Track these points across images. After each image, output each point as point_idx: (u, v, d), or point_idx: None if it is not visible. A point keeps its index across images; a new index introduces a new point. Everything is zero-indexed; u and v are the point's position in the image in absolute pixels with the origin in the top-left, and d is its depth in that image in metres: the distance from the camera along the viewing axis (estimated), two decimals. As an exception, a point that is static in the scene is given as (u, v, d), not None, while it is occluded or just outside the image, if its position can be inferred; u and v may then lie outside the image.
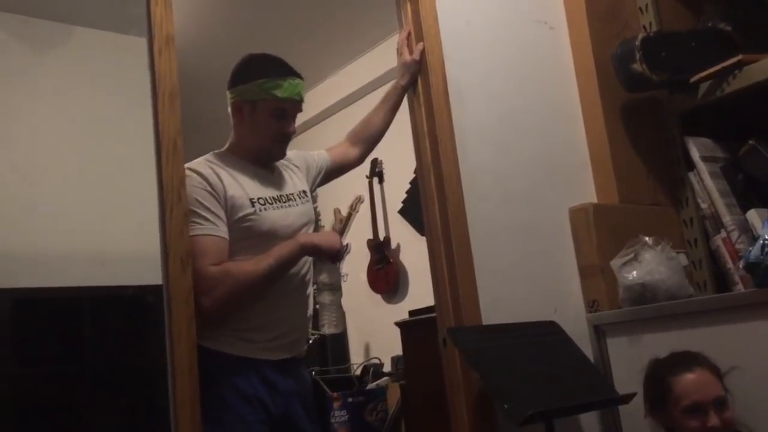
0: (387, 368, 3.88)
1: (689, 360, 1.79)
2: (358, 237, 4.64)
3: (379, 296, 4.43)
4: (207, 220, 1.76)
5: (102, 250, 1.93)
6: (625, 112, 2.53)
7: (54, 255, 1.96)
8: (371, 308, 4.44)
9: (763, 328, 1.83)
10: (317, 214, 5.05)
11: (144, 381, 1.86)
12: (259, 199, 1.85)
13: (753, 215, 2.33)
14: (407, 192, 4.30)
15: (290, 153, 2.06)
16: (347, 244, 4.78)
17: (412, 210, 4.25)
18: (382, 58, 4.24)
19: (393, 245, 4.40)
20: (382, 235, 4.43)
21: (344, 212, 4.80)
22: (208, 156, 1.90)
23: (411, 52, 2.20)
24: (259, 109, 1.88)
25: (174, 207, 1.67)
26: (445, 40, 2.25)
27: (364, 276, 4.48)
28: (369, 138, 2.27)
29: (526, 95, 2.44)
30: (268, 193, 1.89)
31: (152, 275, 1.68)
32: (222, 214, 1.78)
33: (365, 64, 4.52)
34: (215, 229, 1.77)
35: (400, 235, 4.37)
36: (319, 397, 3.49)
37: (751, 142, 2.41)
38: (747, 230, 2.34)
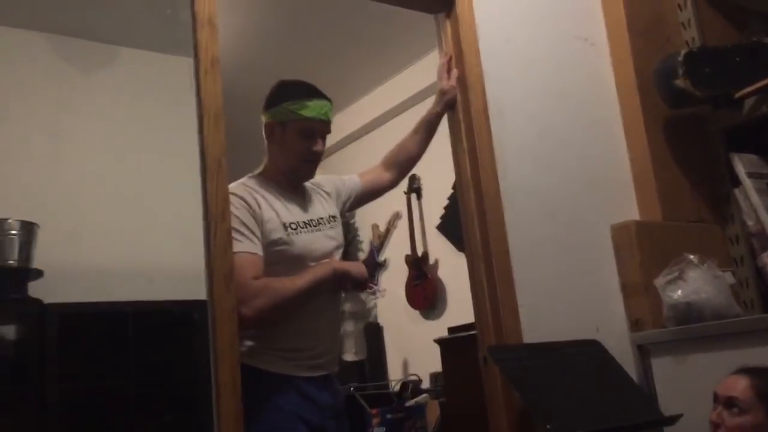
0: (426, 384, 3.87)
1: (748, 368, 1.77)
2: (396, 253, 4.65)
3: (417, 312, 4.42)
4: (247, 238, 1.80)
5: (148, 265, 1.97)
6: (668, 128, 2.50)
7: (101, 271, 2.00)
8: (409, 324, 4.44)
9: (814, 350, 1.78)
10: (355, 230, 5.11)
11: (188, 395, 1.88)
12: (291, 223, 1.91)
13: (802, 232, 2.28)
14: (445, 208, 4.30)
15: (321, 178, 2.11)
16: (385, 260, 4.81)
17: (451, 226, 4.24)
18: (416, 79, 4.27)
19: (431, 261, 4.40)
20: (420, 251, 4.43)
21: (382, 228, 4.82)
22: (244, 180, 1.96)
23: (450, 78, 2.22)
24: (288, 130, 1.95)
25: (218, 225, 1.70)
26: (485, 58, 2.26)
27: (402, 292, 4.48)
28: (403, 163, 2.30)
29: (566, 112, 2.43)
30: (299, 217, 1.94)
31: (196, 291, 1.71)
32: (259, 234, 1.84)
33: (399, 84, 4.55)
34: (254, 247, 1.82)
35: (438, 250, 4.37)
36: (357, 414, 3.49)
37: (798, 158, 2.37)
38: (795, 248, 2.29)
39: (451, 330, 2.98)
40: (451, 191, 4.18)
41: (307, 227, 1.93)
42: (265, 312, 1.76)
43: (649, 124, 2.47)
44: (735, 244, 2.42)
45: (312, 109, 1.92)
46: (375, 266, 4.81)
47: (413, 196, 4.53)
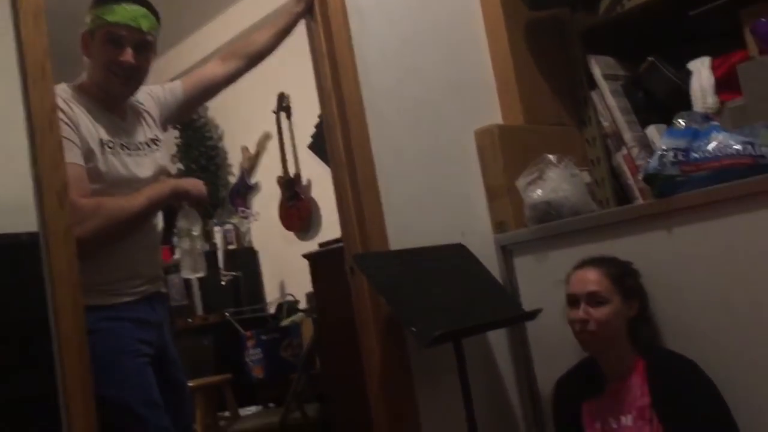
0: (303, 305, 3.85)
1: (591, 260, 1.84)
2: (267, 175, 4.52)
3: (292, 233, 4.36)
4: (66, 148, 1.63)
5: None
6: (529, 31, 2.50)
7: None
8: (284, 246, 4.37)
9: (663, 238, 1.86)
10: (224, 153, 4.91)
11: (27, 334, 1.72)
12: (108, 141, 1.77)
13: (652, 131, 2.37)
14: (316, 126, 4.19)
15: (144, 94, 1.95)
16: (257, 183, 4.68)
17: (322, 145, 4.13)
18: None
19: (304, 181, 4.31)
20: (292, 172, 4.33)
21: (252, 150, 4.66)
22: (60, 87, 1.75)
23: None
24: (96, 39, 1.78)
25: (45, 135, 1.51)
26: (341, -45, 2.13)
27: (275, 214, 4.39)
28: (247, 54, 2.12)
29: (428, 15, 2.35)
30: (118, 139, 1.80)
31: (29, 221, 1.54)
32: (78, 142, 1.69)
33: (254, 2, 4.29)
34: (74, 156, 1.66)
35: (311, 170, 4.28)
36: (233, 337, 3.43)
37: (650, 58, 2.43)
38: (647, 146, 2.38)
39: (322, 246, 2.94)
40: (321, 108, 4.06)
41: (125, 149, 1.80)
42: (97, 235, 1.64)
43: (511, 27, 2.44)
44: (592, 145, 2.49)
45: (117, 12, 1.74)
46: (246, 190, 4.67)
47: (283, 115, 4.39)
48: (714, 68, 2.28)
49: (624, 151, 2.41)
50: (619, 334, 1.76)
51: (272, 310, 3.93)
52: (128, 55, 1.76)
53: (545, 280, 2.07)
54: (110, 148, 1.76)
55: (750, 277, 1.73)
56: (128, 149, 1.81)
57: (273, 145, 4.48)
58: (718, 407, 1.66)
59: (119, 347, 1.70)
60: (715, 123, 1.85)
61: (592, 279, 1.78)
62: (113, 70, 1.77)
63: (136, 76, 1.81)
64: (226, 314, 3.72)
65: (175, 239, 1.92)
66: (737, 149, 1.73)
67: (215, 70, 2.09)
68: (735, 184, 1.72)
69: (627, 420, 1.72)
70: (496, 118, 2.43)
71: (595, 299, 1.76)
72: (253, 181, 4.67)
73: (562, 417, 1.90)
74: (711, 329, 1.79)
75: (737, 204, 1.73)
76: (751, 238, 1.72)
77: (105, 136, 1.76)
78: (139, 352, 1.73)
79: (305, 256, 2.89)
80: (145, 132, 1.90)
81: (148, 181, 1.82)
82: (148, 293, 1.83)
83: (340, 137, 2.09)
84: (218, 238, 4.47)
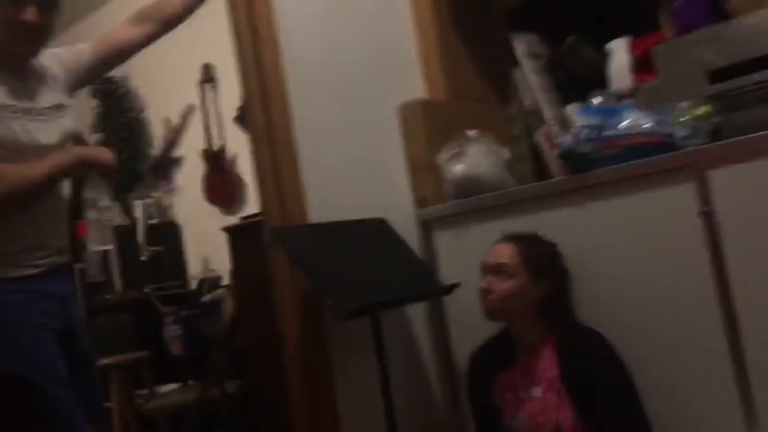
0: (228, 281, 3.78)
1: (512, 236, 1.87)
2: (191, 147, 4.41)
3: (216, 208, 4.26)
4: None
5: None
6: (454, 7, 2.49)
7: None
8: (208, 221, 4.27)
9: (577, 214, 1.90)
10: (147, 125, 4.75)
11: None
12: (8, 105, 1.66)
13: (571, 109, 2.40)
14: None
15: (50, 58, 1.84)
16: (180, 156, 4.55)
17: (249, 117, 4.06)
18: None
19: (229, 155, 4.22)
20: (217, 145, 4.23)
21: (175, 122, 4.53)
22: None
23: None
24: None
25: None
26: None
27: (199, 188, 4.29)
28: (161, 18, 2.00)
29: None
30: (19, 102, 1.70)
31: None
32: None
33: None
34: None
35: (236, 143, 4.17)
36: (152, 314, 3.35)
37: (571, 37, 2.46)
38: (567, 124, 2.41)
39: (243, 219, 2.88)
40: (247, 80, 3.97)
41: (27, 114, 1.69)
42: None
43: (436, 2, 2.43)
44: (514, 123, 2.51)
45: None
46: (169, 163, 4.55)
47: (208, 87, 4.27)
48: (632, 49, 2.33)
49: (545, 129, 2.44)
50: (525, 310, 1.79)
51: (194, 286, 3.84)
52: (31, 13, 1.65)
53: (465, 256, 2.08)
54: (10, 112, 1.65)
55: (659, 252, 1.78)
56: (30, 114, 1.70)
57: (198, 118, 4.36)
58: (622, 379, 1.72)
59: (22, 321, 1.62)
60: (628, 102, 1.89)
61: (503, 253, 1.81)
62: (14, 30, 1.66)
63: (40, 35, 1.70)
64: (146, 290, 3.62)
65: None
66: (648, 127, 1.78)
67: (126, 33, 1.98)
68: (645, 161, 1.76)
69: (537, 391, 1.75)
70: (420, 92, 2.42)
71: (499, 272, 1.79)
72: (176, 154, 4.54)
73: (475, 390, 1.93)
74: (623, 303, 1.83)
75: (647, 181, 1.77)
76: (660, 214, 1.77)
77: (5, 100, 1.66)
78: (43, 326, 1.66)
79: (224, 229, 2.83)
80: (48, 98, 1.79)
81: (53, 148, 1.72)
82: (54, 266, 1.75)
83: (260, 108, 2.04)
84: (139, 212, 4.34)
